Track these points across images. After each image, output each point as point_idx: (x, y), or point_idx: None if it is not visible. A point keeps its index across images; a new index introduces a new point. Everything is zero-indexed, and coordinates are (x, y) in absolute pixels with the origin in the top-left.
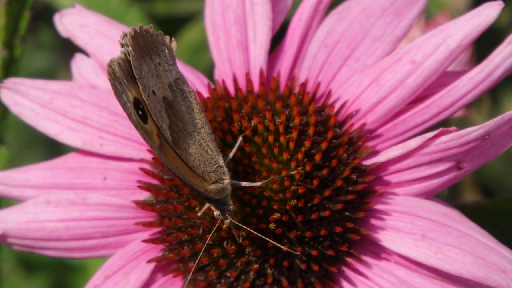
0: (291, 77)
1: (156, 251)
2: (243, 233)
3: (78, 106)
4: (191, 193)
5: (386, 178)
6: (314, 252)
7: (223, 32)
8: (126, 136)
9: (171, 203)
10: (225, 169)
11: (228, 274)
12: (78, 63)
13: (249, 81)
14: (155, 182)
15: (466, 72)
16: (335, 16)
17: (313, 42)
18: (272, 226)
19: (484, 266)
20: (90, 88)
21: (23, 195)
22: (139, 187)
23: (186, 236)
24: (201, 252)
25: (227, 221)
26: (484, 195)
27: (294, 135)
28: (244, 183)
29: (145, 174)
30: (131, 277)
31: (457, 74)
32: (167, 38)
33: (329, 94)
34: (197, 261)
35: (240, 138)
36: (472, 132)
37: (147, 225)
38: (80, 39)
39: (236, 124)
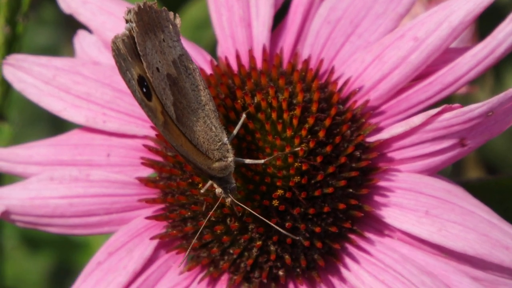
0: (294, 53)
1: (159, 228)
2: (248, 209)
3: (81, 82)
4: (194, 170)
5: (390, 155)
6: (317, 229)
7: (226, 9)
8: (129, 113)
9: (174, 179)
10: (229, 146)
11: (231, 251)
12: (81, 39)
13: (252, 57)
14: (158, 158)
15: (469, 49)
16: None
17: (316, 18)
18: (275, 202)
19: (487, 243)
20: (93, 65)
21: (27, 172)
22: (143, 163)
23: (189, 213)
24: (201, 228)
25: (228, 200)
26: (487, 172)
27: (297, 112)
28: (247, 160)
29: (149, 151)
30: (134, 253)
31: (460, 51)
32: (171, 14)
33: (332, 71)
34: (196, 236)
35: (244, 115)
36: (476, 109)
37: (150, 201)
38: (82, 16)
39: (239, 100)
